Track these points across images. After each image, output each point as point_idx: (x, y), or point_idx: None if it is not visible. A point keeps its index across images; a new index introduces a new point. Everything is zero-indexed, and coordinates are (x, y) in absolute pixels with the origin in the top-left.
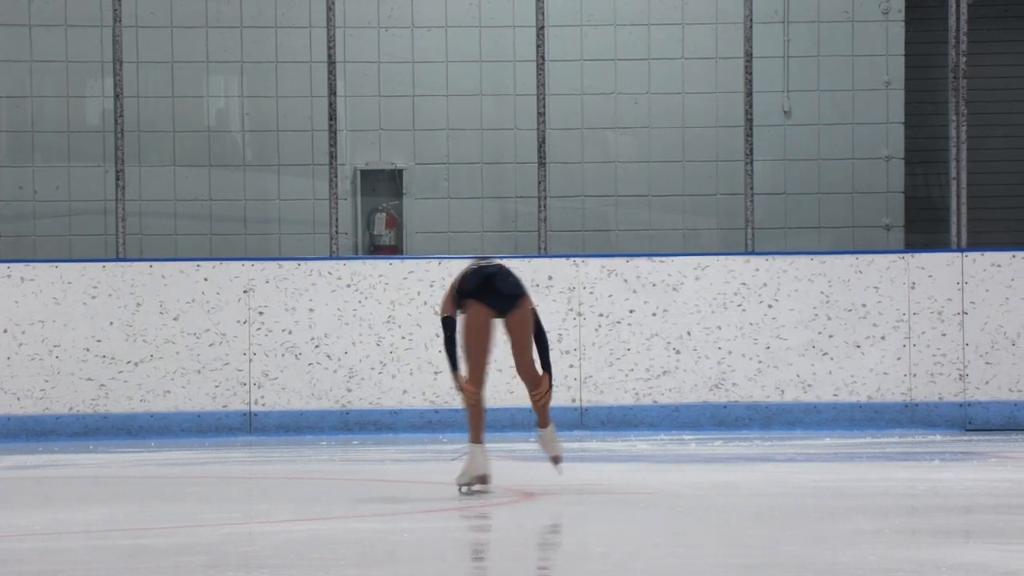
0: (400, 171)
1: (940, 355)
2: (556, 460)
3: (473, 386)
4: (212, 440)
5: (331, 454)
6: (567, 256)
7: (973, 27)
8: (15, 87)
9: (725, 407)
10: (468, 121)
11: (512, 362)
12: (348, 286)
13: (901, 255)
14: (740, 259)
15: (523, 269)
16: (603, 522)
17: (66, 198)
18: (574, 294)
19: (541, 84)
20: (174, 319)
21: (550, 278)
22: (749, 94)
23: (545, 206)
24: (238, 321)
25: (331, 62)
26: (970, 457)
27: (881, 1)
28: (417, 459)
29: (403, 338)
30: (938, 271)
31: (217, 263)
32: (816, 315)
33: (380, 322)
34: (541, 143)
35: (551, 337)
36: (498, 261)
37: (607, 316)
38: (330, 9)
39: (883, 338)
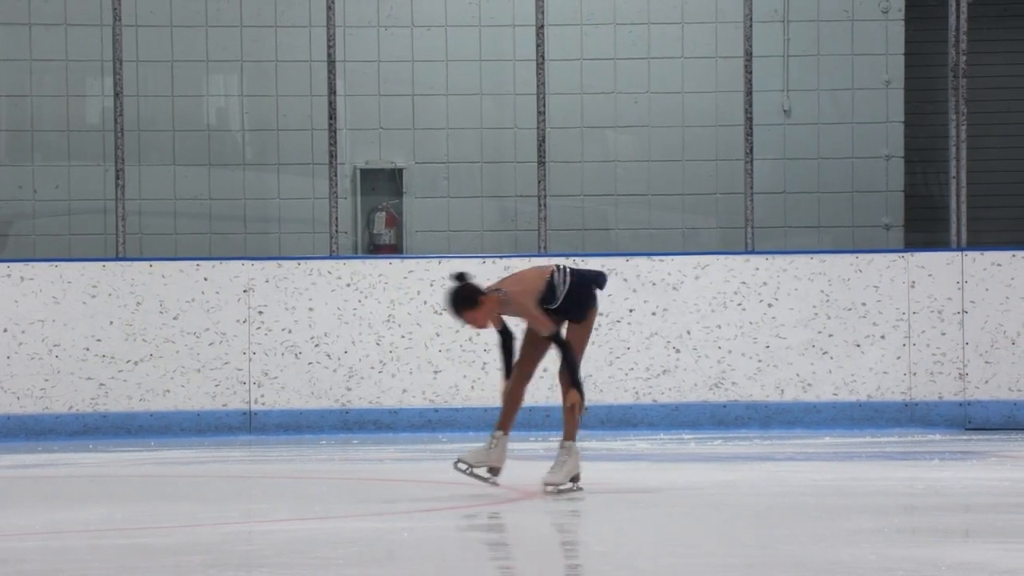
0: (400, 170)
1: (940, 354)
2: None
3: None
4: (212, 439)
5: (331, 453)
6: (567, 255)
7: (973, 26)
8: (15, 86)
9: (725, 406)
10: (468, 120)
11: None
12: (348, 285)
13: (901, 254)
14: (740, 258)
15: (522, 268)
16: (603, 521)
17: (66, 197)
18: None
19: (541, 83)
20: (174, 318)
21: None
22: (749, 93)
23: (545, 205)
24: (238, 320)
25: (331, 61)
26: (969, 456)
27: (881, 0)
28: (417, 458)
29: (403, 337)
30: (938, 270)
31: (217, 262)
32: (816, 314)
33: (380, 321)
34: (541, 142)
35: None
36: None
37: (606, 315)
38: (330, 8)
39: (883, 337)
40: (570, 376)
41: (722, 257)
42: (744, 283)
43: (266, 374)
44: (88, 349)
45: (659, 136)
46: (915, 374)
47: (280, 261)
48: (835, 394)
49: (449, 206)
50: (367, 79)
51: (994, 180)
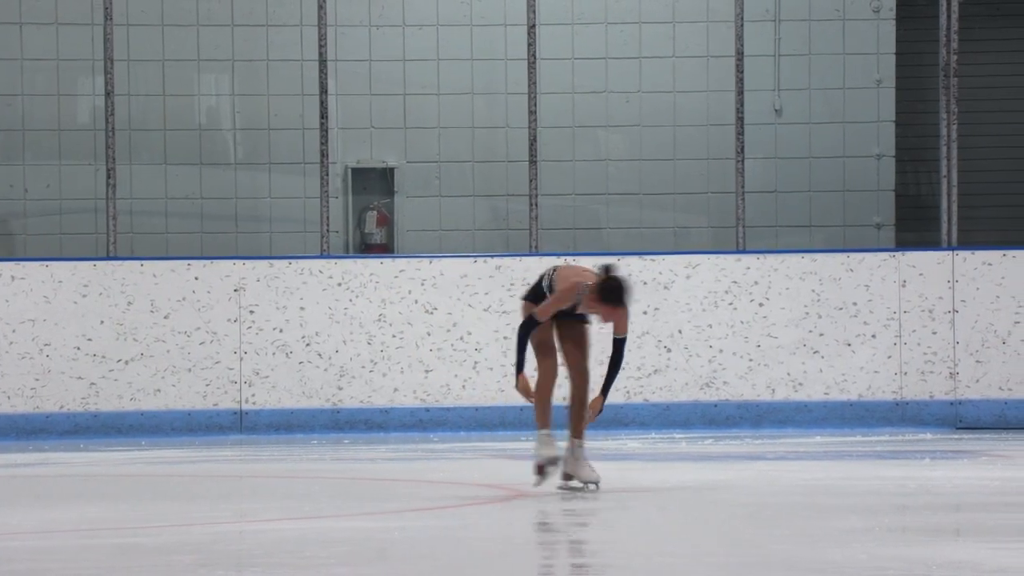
0: (391, 169)
1: (931, 353)
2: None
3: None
4: (203, 439)
5: (322, 453)
6: (558, 254)
7: (964, 26)
8: (6, 85)
9: (716, 406)
10: (459, 119)
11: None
12: (339, 285)
13: (892, 253)
14: (731, 257)
15: (514, 267)
16: (594, 521)
17: (57, 196)
18: None
19: (532, 82)
20: (165, 318)
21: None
22: (740, 92)
23: (536, 204)
24: (229, 320)
25: (322, 60)
26: (960, 455)
27: (872, 0)
28: (408, 458)
29: (394, 336)
30: (929, 269)
31: (208, 262)
32: (807, 313)
33: (371, 320)
34: (532, 141)
35: None
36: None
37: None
38: (321, 7)
39: (874, 336)
40: (613, 381)
41: (713, 256)
42: (735, 282)
43: (257, 373)
44: (79, 348)
45: (650, 135)
46: (906, 373)
47: (271, 260)
48: (826, 393)
49: (440, 205)
50: (358, 78)
51: (985, 179)
